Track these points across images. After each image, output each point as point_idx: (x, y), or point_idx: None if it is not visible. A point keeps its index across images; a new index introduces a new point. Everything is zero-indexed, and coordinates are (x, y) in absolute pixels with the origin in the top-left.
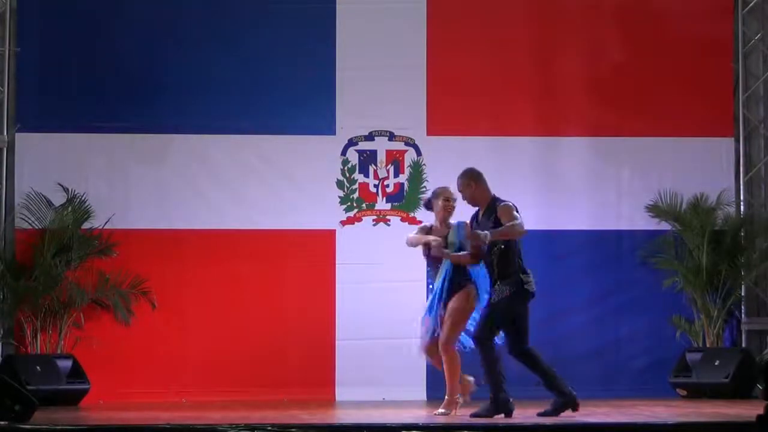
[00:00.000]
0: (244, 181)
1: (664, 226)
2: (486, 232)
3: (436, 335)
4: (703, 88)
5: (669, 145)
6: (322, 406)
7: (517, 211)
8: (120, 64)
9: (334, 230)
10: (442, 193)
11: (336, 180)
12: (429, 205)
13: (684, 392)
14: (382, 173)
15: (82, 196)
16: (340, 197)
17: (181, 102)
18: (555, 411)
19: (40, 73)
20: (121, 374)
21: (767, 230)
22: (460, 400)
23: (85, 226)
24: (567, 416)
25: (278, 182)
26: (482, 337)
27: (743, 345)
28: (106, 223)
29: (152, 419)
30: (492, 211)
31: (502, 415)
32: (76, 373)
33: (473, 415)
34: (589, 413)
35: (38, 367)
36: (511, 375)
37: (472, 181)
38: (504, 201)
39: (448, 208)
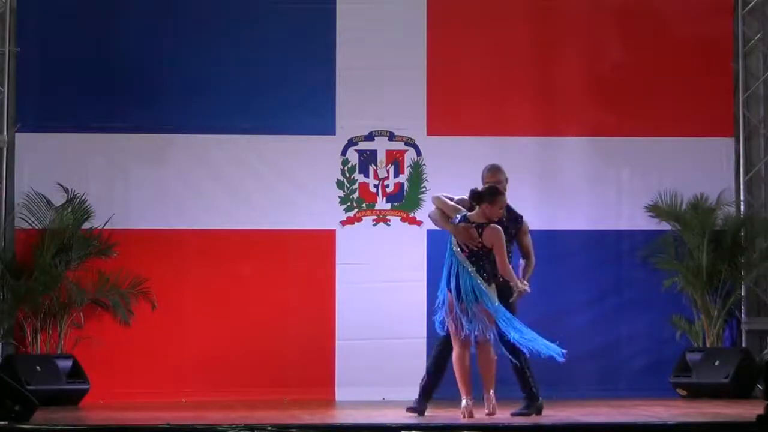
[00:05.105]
0: (244, 181)
1: (664, 226)
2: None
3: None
4: (703, 88)
5: (669, 145)
6: (322, 406)
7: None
8: (120, 64)
9: (334, 230)
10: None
11: (336, 180)
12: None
13: (684, 392)
14: (382, 173)
15: (82, 196)
16: (340, 197)
17: (181, 102)
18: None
19: (40, 73)
20: (121, 374)
21: (767, 230)
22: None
23: (85, 226)
24: (566, 416)
25: (278, 182)
26: None
27: (743, 345)
28: (106, 223)
29: (152, 419)
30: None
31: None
32: (76, 373)
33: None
34: (589, 413)
35: (38, 367)
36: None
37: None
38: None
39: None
